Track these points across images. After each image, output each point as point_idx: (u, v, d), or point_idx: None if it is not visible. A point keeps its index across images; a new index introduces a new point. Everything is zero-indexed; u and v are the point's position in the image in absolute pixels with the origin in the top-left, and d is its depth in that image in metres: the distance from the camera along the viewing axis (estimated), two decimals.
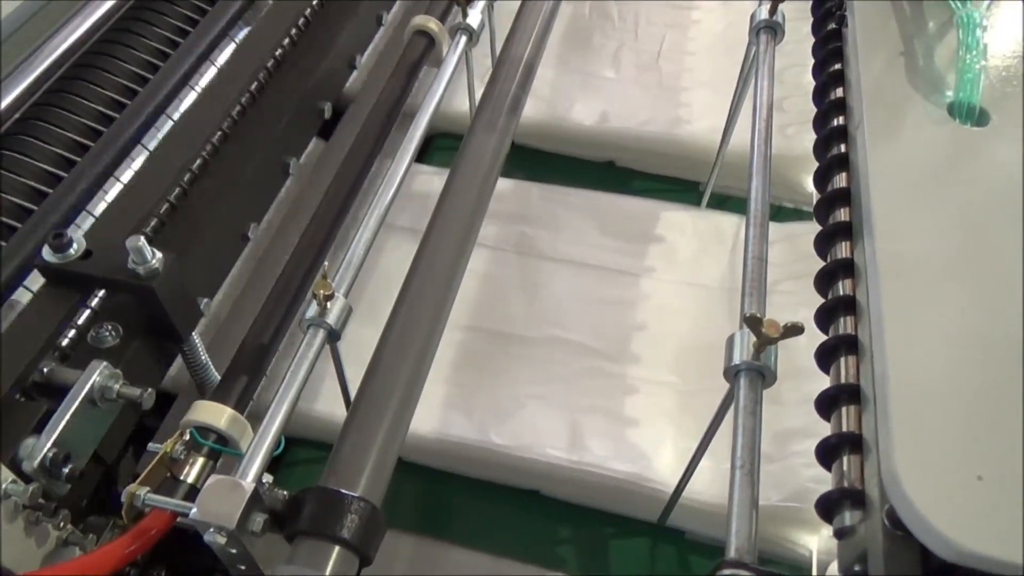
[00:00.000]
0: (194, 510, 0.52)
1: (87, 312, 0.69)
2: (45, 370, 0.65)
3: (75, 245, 0.68)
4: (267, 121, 0.98)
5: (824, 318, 0.61)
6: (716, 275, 1.04)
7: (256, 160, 0.95)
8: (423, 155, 1.22)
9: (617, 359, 0.95)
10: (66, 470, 0.60)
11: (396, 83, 1.02)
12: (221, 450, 0.63)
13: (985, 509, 0.41)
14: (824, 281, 0.64)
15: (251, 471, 0.56)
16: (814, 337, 0.59)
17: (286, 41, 0.97)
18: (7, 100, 0.83)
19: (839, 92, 0.75)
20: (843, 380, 0.56)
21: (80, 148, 0.82)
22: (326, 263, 0.67)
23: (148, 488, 0.57)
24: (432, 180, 1.16)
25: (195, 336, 0.77)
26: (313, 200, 0.92)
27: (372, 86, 1.20)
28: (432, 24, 1.05)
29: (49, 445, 0.59)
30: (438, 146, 1.26)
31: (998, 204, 0.57)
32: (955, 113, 0.64)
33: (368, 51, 1.28)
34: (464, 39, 0.98)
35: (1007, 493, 0.42)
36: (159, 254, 0.67)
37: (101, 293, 0.70)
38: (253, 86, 0.92)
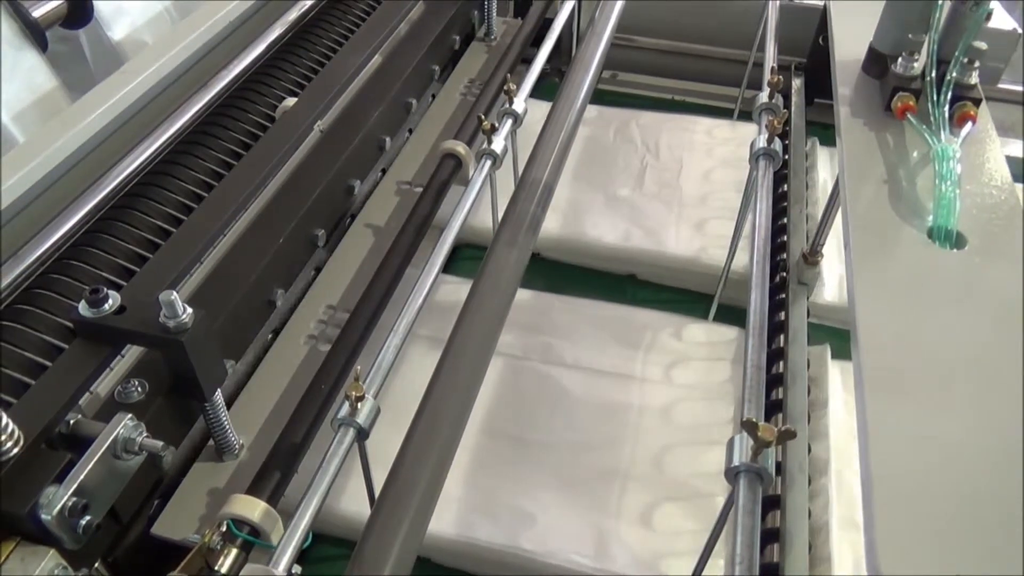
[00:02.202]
0: None
1: None
2: (71, 421, 0.67)
3: (110, 301, 0.70)
4: (298, 196, 1.04)
5: None
6: (723, 381, 1.08)
7: (286, 230, 1.00)
8: (448, 264, 1.30)
9: (633, 463, 0.98)
10: (83, 521, 0.62)
11: (427, 200, 1.11)
12: (254, 542, 0.67)
13: None
14: None
15: (282, 562, 0.60)
16: None
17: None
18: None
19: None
20: None
21: None
22: (358, 367, 0.72)
23: None
24: (455, 290, 1.23)
25: (218, 395, 0.78)
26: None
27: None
28: (460, 148, 1.16)
29: (69, 494, 0.61)
30: (462, 256, 1.34)
31: (973, 322, 0.62)
32: (934, 237, 0.70)
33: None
34: (489, 163, 1.07)
35: None
36: (189, 309, 0.69)
37: None
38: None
